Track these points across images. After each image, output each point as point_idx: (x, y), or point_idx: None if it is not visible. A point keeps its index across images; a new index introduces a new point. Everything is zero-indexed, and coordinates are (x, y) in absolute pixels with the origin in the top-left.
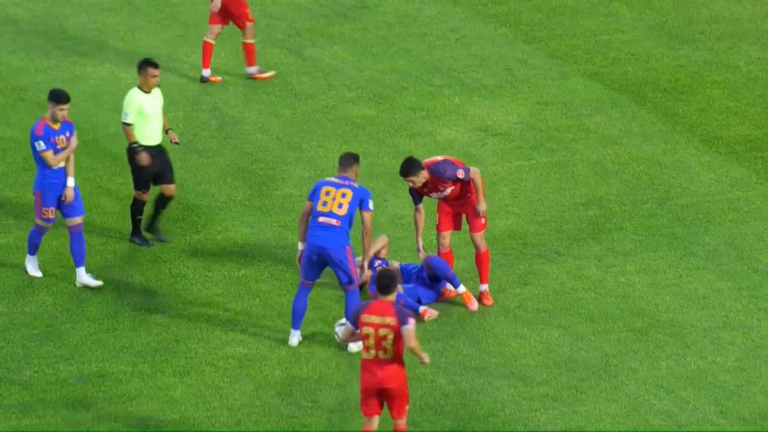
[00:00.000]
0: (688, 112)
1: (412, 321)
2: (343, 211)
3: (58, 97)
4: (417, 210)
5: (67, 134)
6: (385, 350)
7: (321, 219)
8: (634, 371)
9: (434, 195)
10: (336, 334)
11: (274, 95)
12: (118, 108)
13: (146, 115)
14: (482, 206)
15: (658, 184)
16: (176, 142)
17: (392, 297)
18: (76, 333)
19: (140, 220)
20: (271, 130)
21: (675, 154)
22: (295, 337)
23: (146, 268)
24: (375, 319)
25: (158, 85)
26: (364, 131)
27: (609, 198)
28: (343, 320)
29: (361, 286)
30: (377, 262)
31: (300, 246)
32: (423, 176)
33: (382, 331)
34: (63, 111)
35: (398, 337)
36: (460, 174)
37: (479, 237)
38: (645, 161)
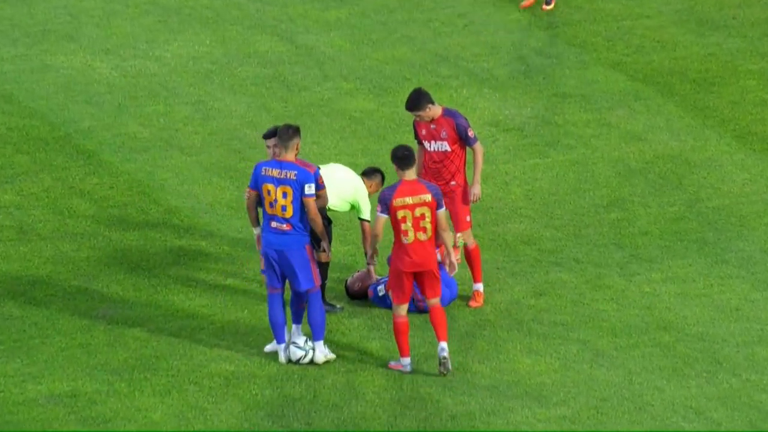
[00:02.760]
0: (719, 105)
1: (443, 204)
2: (289, 214)
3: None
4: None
5: None
6: (424, 230)
7: (273, 224)
8: (660, 390)
9: (429, 142)
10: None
11: (264, 87)
12: (91, 101)
13: None
14: (477, 189)
15: (686, 184)
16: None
17: (414, 172)
18: (46, 348)
19: (325, 284)
20: (261, 125)
21: (705, 151)
22: (283, 353)
23: (123, 277)
24: (410, 199)
25: None
26: (363, 126)
27: (632, 200)
28: (301, 339)
29: (364, 293)
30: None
31: (255, 231)
32: (431, 111)
33: (419, 211)
34: (268, 148)
35: (434, 215)
36: (471, 133)
37: (465, 235)
38: (672, 159)
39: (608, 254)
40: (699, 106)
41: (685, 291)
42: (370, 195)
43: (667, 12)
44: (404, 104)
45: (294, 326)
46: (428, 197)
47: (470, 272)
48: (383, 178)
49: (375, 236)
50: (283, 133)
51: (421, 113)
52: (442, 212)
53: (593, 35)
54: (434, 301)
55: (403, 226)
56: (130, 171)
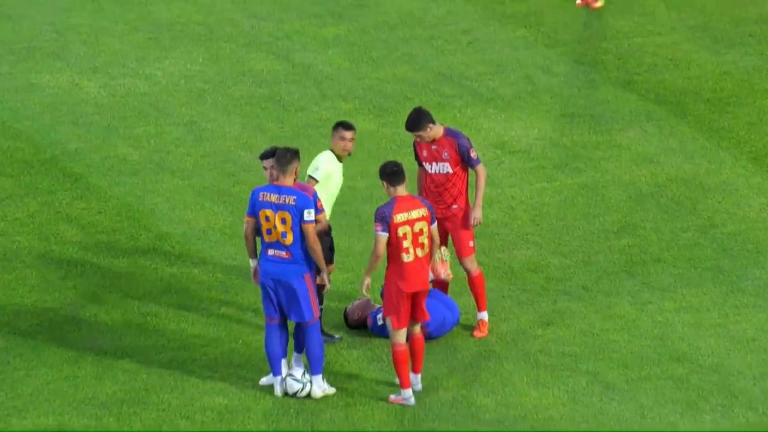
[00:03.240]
0: (735, 126)
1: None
2: (289, 240)
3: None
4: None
5: None
6: (422, 246)
7: (270, 252)
8: (673, 425)
9: (430, 164)
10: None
11: (259, 107)
12: (78, 121)
13: (333, 194)
14: (478, 213)
15: (700, 209)
16: None
17: (405, 188)
18: (32, 381)
19: (322, 309)
20: (256, 147)
21: (720, 174)
22: (279, 386)
23: (112, 306)
24: (408, 214)
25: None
26: (363, 148)
27: (644, 225)
28: (299, 372)
29: (363, 322)
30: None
31: (252, 263)
32: (432, 131)
33: (418, 226)
34: (264, 169)
35: (431, 229)
36: (473, 154)
37: (469, 261)
38: (686, 183)
39: (619, 282)
40: (714, 127)
41: (699, 321)
42: (343, 152)
43: (680, 29)
44: (404, 124)
45: (295, 354)
46: (424, 211)
47: (474, 301)
48: (350, 129)
49: (377, 257)
50: (281, 157)
51: (421, 133)
52: (435, 227)
53: (603, 53)
54: (418, 328)
55: (404, 243)
56: (119, 195)
